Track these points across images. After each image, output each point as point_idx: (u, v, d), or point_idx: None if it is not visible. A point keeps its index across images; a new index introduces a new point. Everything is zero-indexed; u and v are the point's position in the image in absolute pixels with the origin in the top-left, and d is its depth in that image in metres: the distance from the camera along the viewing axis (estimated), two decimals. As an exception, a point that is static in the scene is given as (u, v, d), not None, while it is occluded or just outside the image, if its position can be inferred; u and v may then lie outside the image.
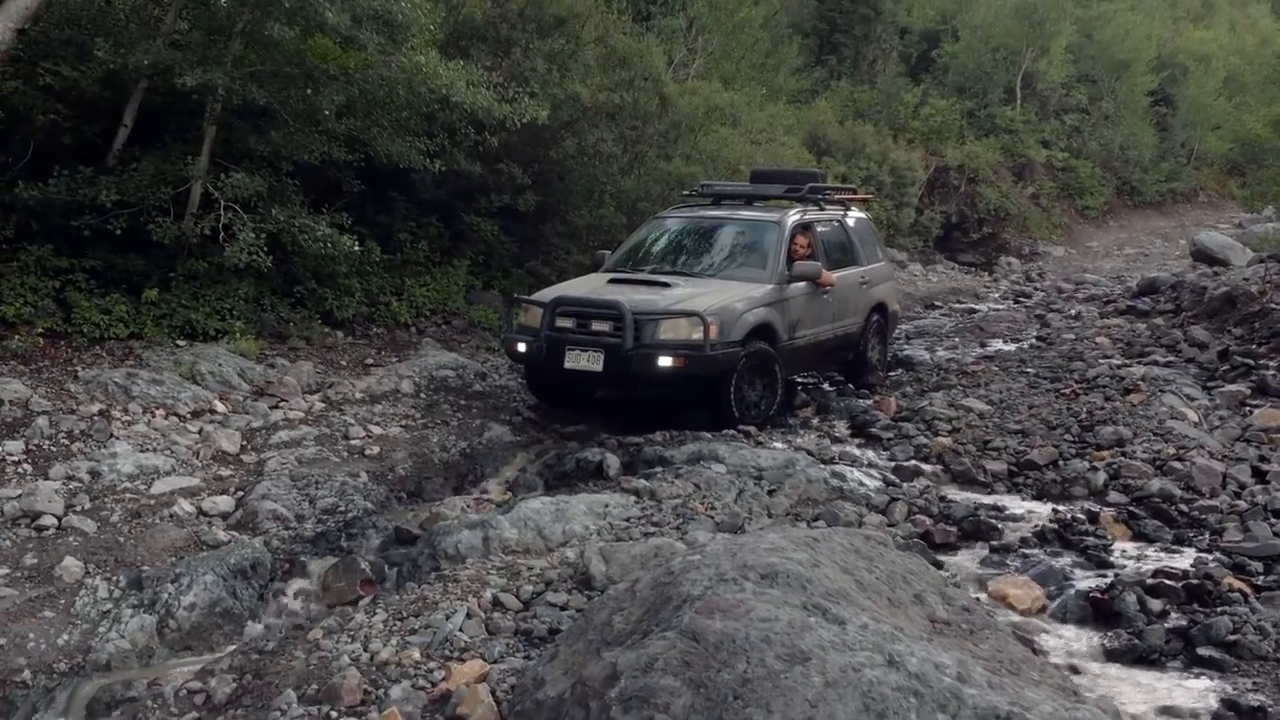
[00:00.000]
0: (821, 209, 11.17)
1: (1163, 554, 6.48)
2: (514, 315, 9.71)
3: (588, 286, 9.77)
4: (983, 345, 13.98)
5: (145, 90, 9.88)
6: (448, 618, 5.18)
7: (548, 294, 9.63)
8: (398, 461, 8.40)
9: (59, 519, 6.66)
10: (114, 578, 6.15)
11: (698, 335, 8.72)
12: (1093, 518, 6.98)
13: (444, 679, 4.61)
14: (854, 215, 11.80)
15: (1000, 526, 6.93)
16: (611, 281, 9.77)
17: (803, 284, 10.02)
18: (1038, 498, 7.73)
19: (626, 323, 8.69)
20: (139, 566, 6.32)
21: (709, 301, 9.00)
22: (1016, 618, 5.62)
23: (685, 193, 12.16)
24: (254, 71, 9.88)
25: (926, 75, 33.15)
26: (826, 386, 11.82)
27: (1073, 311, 16.30)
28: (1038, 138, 31.74)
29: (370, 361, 10.79)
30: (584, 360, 8.84)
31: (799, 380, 11.72)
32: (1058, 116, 33.40)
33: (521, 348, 9.23)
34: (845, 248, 11.27)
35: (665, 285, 9.48)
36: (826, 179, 12.88)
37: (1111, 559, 6.35)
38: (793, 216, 10.48)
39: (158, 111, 10.23)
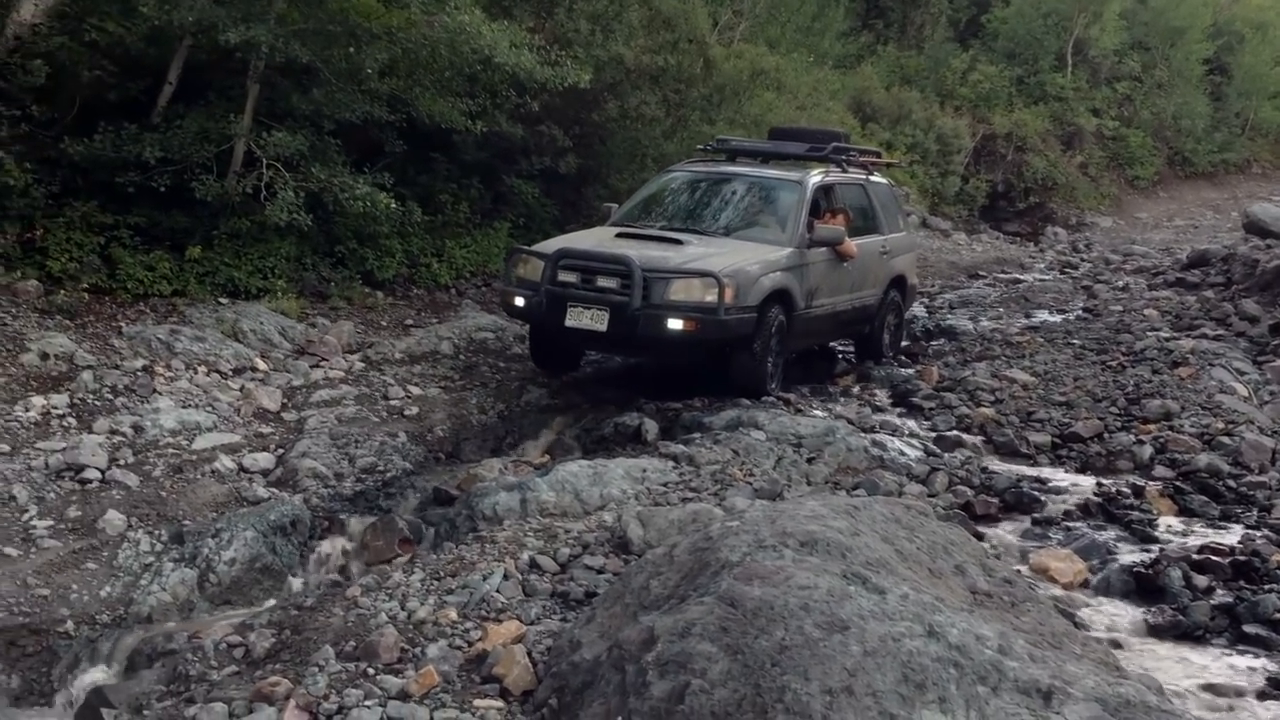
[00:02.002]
0: (844, 171, 10.53)
1: (1209, 530, 6.39)
2: (513, 268, 9.03)
3: (594, 239, 9.21)
4: (1028, 316, 13.79)
5: (189, 48, 9.88)
6: (485, 579, 5.19)
7: (550, 245, 9.04)
8: (436, 422, 8.41)
9: (102, 472, 6.73)
10: (156, 531, 6.21)
11: (711, 297, 8.11)
12: (1138, 492, 6.89)
13: (480, 639, 4.62)
14: (877, 180, 11.17)
15: (1043, 499, 6.86)
16: (620, 236, 9.14)
17: (823, 250, 9.43)
18: (1081, 471, 7.63)
19: (635, 279, 8.09)
20: (180, 521, 6.38)
21: (725, 262, 8.40)
22: (1058, 591, 5.55)
23: (699, 147, 11.55)
24: (297, 29, 9.84)
25: (975, 41, 32.58)
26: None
27: (1120, 283, 16.05)
28: (1088, 106, 31.14)
29: (410, 322, 10.80)
30: (587, 319, 8.23)
31: (838, 348, 11.62)
32: (1109, 84, 32.75)
33: (519, 302, 8.66)
34: (867, 214, 10.65)
35: (678, 242, 8.88)
36: (850, 139, 11.93)
37: (1156, 534, 6.27)
38: (815, 177, 9.84)
39: (201, 69, 10.24)
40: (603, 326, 8.18)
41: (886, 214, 10.97)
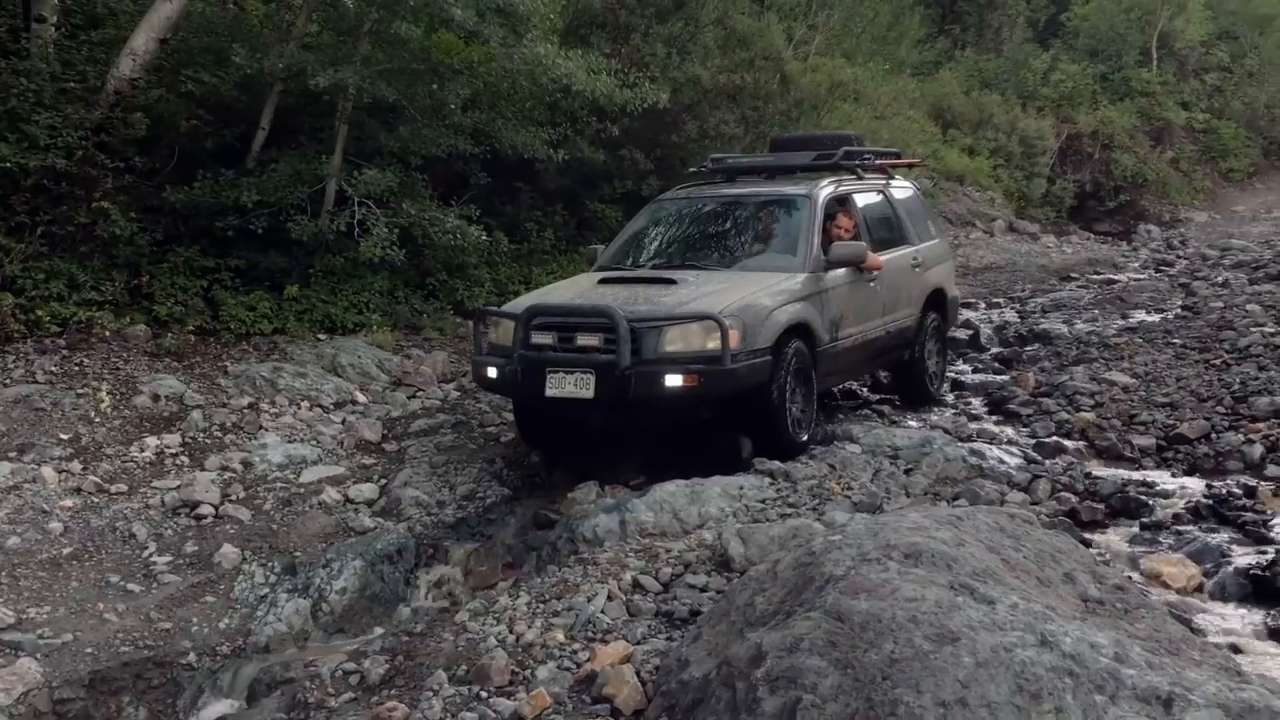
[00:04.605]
0: (859, 178, 9.17)
1: (1328, 529, 6.18)
2: (482, 333, 7.73)
3: (573, 290, 7.96)
4: (1124, 317, 13.51)
5: (280, 93, 10.22)
6: (589, 600, 5.25)
7: (520, 303, 7.82)
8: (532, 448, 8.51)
9: (216, 508, 6.97)
10: (269, 564, 6.41)
11: (714, 344, 6.86)
12: (1249, 492, 6.70)
13: (589, 660, 4.67)
14: (899, 184, 9.81)
15: (1150, 503, 6.70)
16: (603, 282, 7.90)
17: (843, 271, 8.15)
18: (1189, 472, 7.44)
19: (620, 333, 6.82)
20: (292, 552, 6.57)
21: (726, 300, 7.13)
22: (1172, 596, 5.42)
23: (691, 170, 10.20)
24: (382, 70, 10.12)
25: (1055, 40, 32.15)
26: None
27: (1220, 279, 15.63)
28: (1176, 99, 30.49)
29: (502, 350, 10.95)
30: (570, 385, 6.95)
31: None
32: (1197, 76, 32.02)
33: (492, 373, 7.40)
34: (891, 224, 9.32)
35: (670, 283, 7.62)
36: (863, 141, 10.38)
37: (1271, 534, 6.09)
38: (825, 188, 8.54)
39: (292, 113, 10.59)
40: (589, 392, 6.92)
41: (914, 221, 9.64)
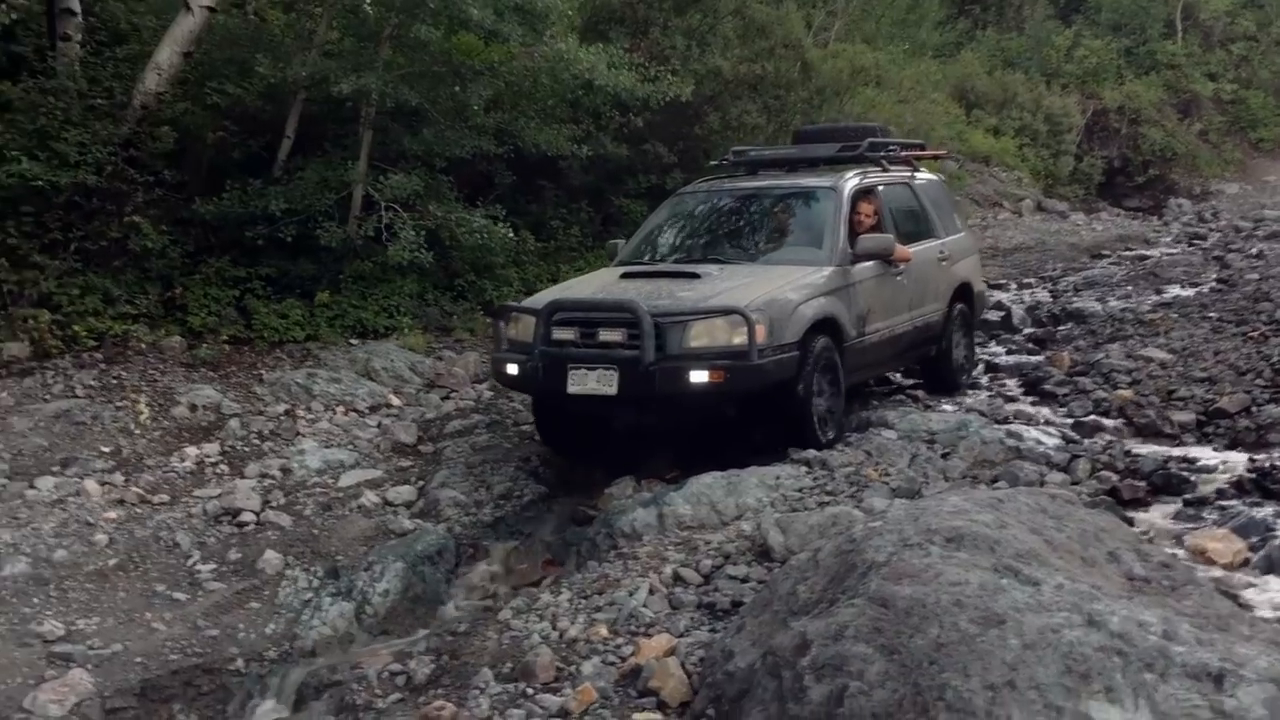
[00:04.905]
0: (884, 169, 9.02)
1: (1374, 499, 6.10)
2: (503, 329, 7.65)
3: (595, 285, 7.84)
4: (1158, 292, 13.36)
5: (304, 101, 10.29)
6: (631, 594, 5.26)
7: (541, 298, 7.68)
8: (567, 444, 8.53)
9: (257, 515, 7.04)
10: (312, 568, 6.47)
11: (740, 339, 6.75)
12: (1294, 465, 6.62)
13: (633, 654, 4.68)
14: (923, 176, 9.66)
15: (1193, 479, 6.63)
16: (625, 277, 7.78)
17: (871, 264, 8.03)
18: (1231, 447, 7.35)
19: (644, 328, 6.71)
20: (334, 556, 6.63)
21: (752, 294, 7.02)
22: (1218, 572, 5.36)
23: (713, 163, 10.12)
24: (404, 74, 10.17)
25: (1078, 16, 31.85)
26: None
27: (1254, 250, 15.45)
28: (1203, 71, 30.14)
29: (533, 348, 10.98)
30: (593, 381, 6.86)
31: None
32: (1223, 46, 31.63)
33: (512, 370, 7.28)
34: (917, 216, 9.17)
35: (694, 277, 7.49)
36: (888, 132, 10.33)
37: (1319, 507, 6.01)
38: (851, 179, 8.40)
39: (316, 121, 10.66)
40: (613, 389, 6.81)
41: (940, 213, 9.52)
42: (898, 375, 9.78)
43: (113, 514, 6.84)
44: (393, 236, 9.85)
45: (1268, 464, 6.67)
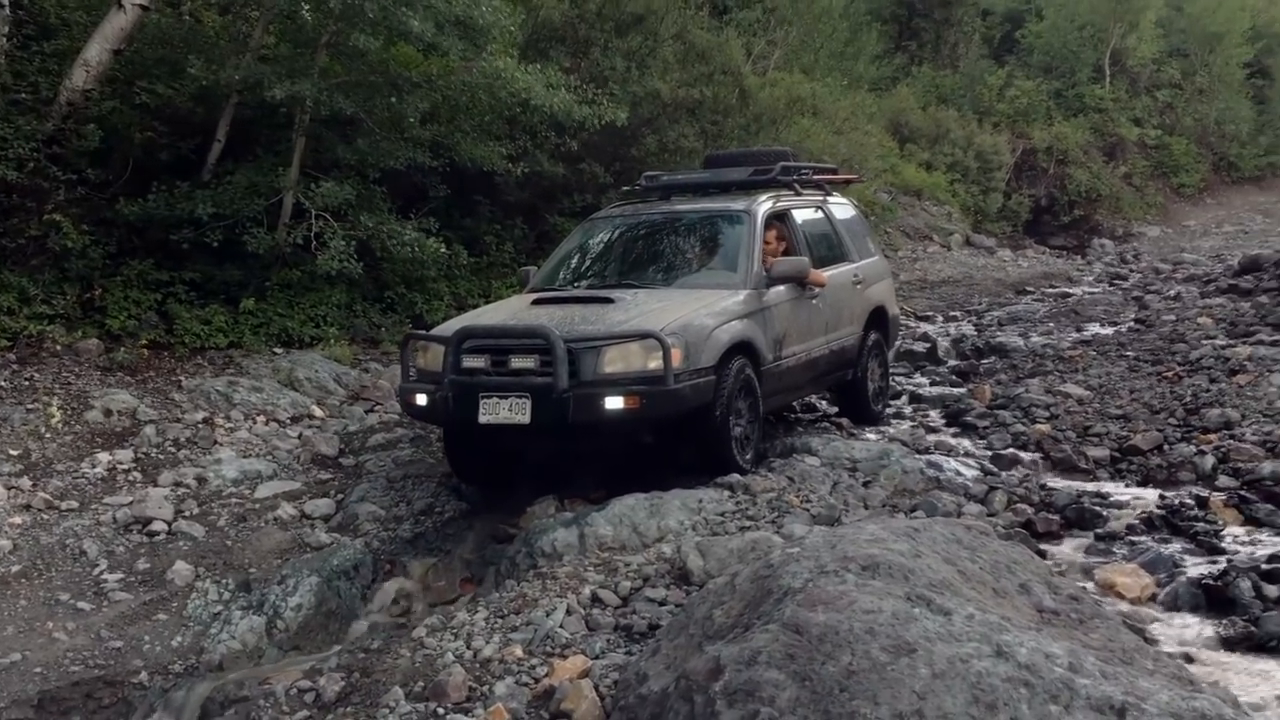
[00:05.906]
0: (797, 194, 8.92)
1: (1277, 539, 6.26)
2: (411, 358, 7.34)
3: (505, 312, 7.67)
4: (1079, 329, 13.68)
5: (236, 105, 10.15)
6: (548, 614, 5.22)
7: (450, 326, 7.46)
8: (491, 461, 8.46)
9: (169, 524, 6.88)
10: (223, 580, 6.33)
11: (656, 364, 6.58)
12: (1202, 503, 6.78)
13: (547, 675, 4.64)
14: (837, 200, 9.59)
15: (1105, 514, 6.77)
16: (537, 303, 7.61)
17: (785, 288, 7.96)
18: (1143, 484, 7.52)
19: (557, 354, 6.52)
20: (247, 569, 6.49)
21: (667, 318, 6.87)
22: (1126, 606, 5.47)
23: (625, 189, 9.98)
24: (340, 82, 10.07)
25: (1010, 57, 32.58)
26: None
27: (1172, 292, 15.87)
28: (1129, 115, 30.99)
29: (461, 364, 10.91)
30: (505, 411, 6.62)
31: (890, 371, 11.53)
32: (1149, 93, 32.57)
33: (421, 400, 7.00)
34: (831, 241, 9.10)
35: (608, 301, 7.36)
36: (799, 157, 10.26)
37: (1223, 545, 6.16)
38: (764, 203, 8.32)
39: (249, 125, 10.51)
40: (525, 418, 6.59)
41: (854, 238, 9.47)
42: (822, 402, 9.86)
43: (18, 519, 6.65)
44: (322, 245, 9.74)
45: (1177, 501, 6.83)
